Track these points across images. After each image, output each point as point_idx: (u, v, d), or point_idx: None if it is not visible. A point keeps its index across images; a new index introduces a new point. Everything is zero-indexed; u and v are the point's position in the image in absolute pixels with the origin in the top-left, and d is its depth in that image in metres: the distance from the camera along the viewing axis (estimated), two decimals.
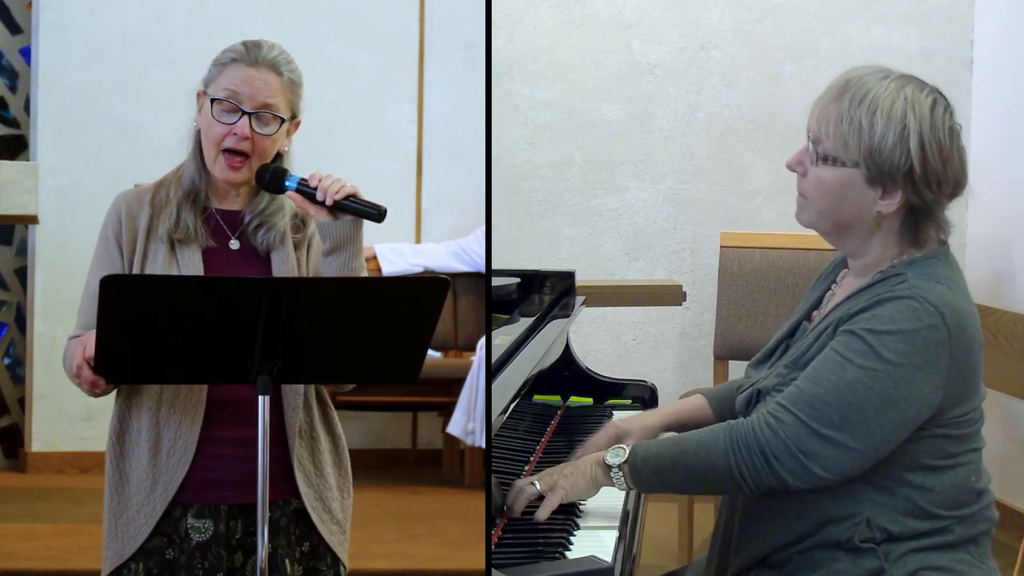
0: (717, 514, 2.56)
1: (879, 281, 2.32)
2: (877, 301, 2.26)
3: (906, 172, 2.26)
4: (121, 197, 2.53)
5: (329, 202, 2.43)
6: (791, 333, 2.52)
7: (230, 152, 2.45)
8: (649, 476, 2.33)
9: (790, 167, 2.38)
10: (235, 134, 2.44)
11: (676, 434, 2.43)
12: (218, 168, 2.47)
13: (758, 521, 2.36)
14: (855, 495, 2.28)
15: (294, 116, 2.51)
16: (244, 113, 2.44)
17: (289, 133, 2.52)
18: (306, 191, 2.44)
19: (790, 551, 2.32)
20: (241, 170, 2.46)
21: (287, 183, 2.45)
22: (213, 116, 2.45)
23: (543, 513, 2.33)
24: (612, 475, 2.34)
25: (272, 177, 2.46)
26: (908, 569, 2.27)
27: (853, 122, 2.27)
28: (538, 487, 2.35)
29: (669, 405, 2.77)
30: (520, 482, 2.40)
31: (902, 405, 2.22)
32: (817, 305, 2.52)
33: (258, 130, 2.45)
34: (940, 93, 2.33)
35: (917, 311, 2.22)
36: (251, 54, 2.46)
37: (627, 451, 2.34)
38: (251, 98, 2.44)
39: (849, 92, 2.29)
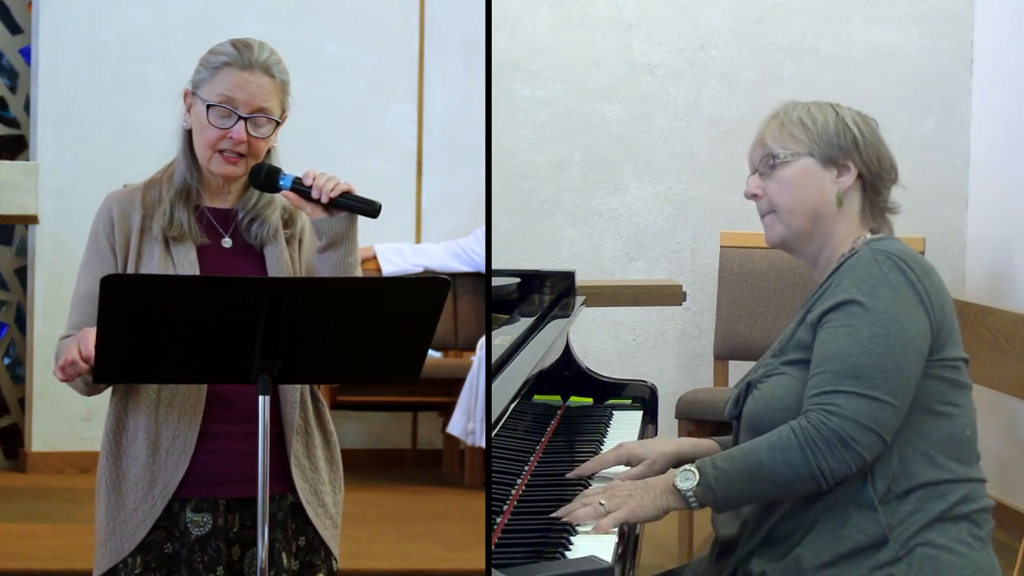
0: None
1: (842, 264, 2.45)
2: (844, 272, 2.41)
3: (851, 145, 2.49)
4: (112, 197, 2.54)
5: (324, 199, 2.44)
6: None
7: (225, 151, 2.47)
8: (725, 492, 2.34)
9: (749, 194, 2.60)
10: (231, 138, 2.45)
11: (739, 447, 2.41)
12: (215, 164, 2.48)
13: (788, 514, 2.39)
14: None
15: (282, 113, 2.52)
16: (240, 118, 2.44)
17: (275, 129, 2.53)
18: (301, 189, 2.45)
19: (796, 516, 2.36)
20: (238, 164, 2.47)
21: (281, 182, 2.46)
22: (209, 121, 2.45)
23: (606, 524, 2.31)
24: (685, 497, 2.35)
25: (266, 177, 2.47)
26: (909, 546, 2.31)
27: (794, 121, 2.52)
28: (605, 505, 2.35)
29: (683, 439, 2.81)
30: (586, 493, 2.42)
31: (916, 341, 2.35)
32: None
33: (253, 133, 2.46)
34: None
35: (880, 261, 2.39)
36: (244, 57, 2.46)
37: (696, 473, 2.35)
38: (246, 103, 2.45)
39: (780, 110, 2.55)
